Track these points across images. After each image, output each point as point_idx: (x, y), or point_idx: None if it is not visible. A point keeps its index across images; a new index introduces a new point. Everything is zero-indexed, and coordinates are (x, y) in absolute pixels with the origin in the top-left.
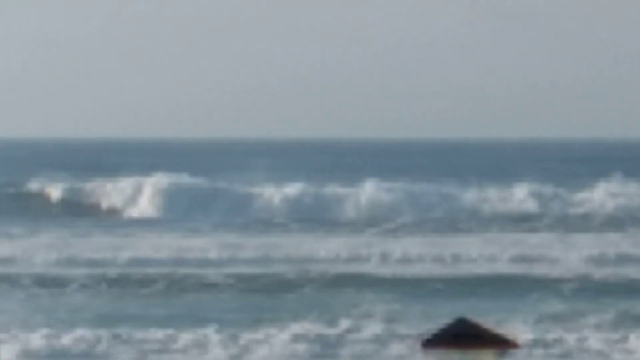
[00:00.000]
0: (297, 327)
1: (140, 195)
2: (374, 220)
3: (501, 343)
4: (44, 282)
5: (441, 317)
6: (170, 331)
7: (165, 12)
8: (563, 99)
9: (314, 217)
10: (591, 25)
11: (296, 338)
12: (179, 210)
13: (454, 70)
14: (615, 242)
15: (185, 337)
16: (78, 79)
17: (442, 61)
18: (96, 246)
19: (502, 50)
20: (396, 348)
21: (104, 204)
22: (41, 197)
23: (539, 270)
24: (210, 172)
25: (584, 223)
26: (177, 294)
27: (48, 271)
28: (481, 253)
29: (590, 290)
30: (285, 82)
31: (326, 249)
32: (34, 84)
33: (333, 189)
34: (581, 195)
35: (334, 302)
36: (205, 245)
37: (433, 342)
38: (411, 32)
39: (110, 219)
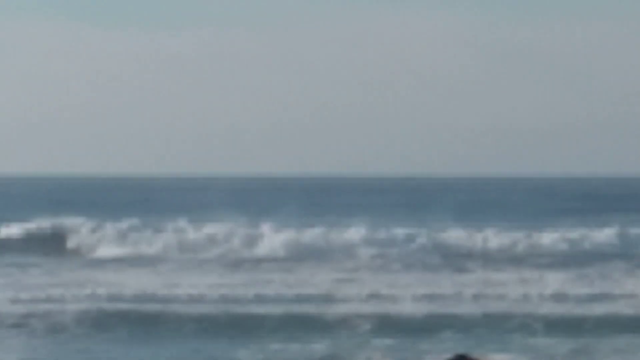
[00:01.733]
0: None
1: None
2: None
3: None
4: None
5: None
6: None
7: (154, 49)
8: (565, 137)
9: (303, 254)
10: (592, 65)
11: None
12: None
13: (452, 109)
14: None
15: None
16: (69, 115)
17: (440, 100)
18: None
19: (500, 89)
20: None
21: (75, 243)
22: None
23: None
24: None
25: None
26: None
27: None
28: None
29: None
30: (281, 120)
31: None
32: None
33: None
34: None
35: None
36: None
37: None
38: (410, 71)
39: (83, 258)
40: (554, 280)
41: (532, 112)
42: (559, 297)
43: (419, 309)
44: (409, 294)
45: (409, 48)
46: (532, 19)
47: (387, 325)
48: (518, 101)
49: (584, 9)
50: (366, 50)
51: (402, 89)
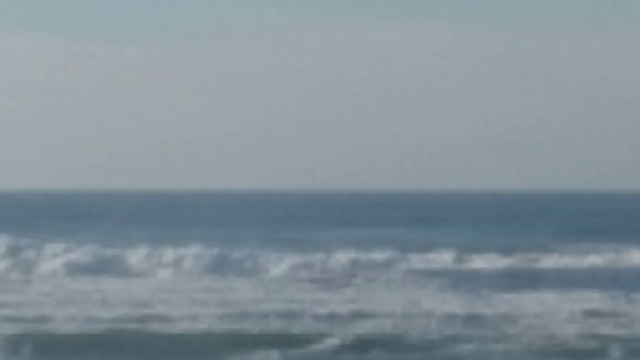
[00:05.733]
0: None
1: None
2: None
3: None
4: None
5: None
6: None
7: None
8: (548, 147)
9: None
10: (577, 71)
11: None
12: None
13: (436, 120)
14: None
15: None
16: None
17: (425, 111)
18: None
19: (487, 97)
20: None
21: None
22: None
23: None
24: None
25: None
26: None
27: None
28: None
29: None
30: (271, 130)
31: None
32: None
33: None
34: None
35: None
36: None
37: None
38: (394, 81)
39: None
40: None
41: (526, 122)
42: None
43: None
44: None
45: (400, 59)
46: (522, 29)
47: None
48: (512, 111)
49: (573, 19)
50: (356, 61)
51: (385, 98)
